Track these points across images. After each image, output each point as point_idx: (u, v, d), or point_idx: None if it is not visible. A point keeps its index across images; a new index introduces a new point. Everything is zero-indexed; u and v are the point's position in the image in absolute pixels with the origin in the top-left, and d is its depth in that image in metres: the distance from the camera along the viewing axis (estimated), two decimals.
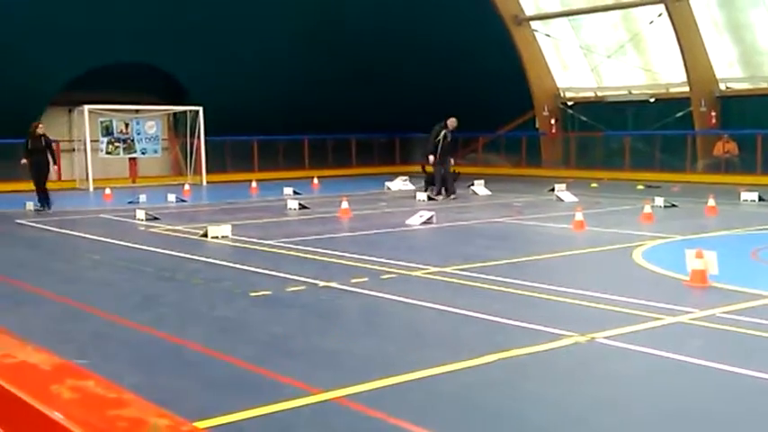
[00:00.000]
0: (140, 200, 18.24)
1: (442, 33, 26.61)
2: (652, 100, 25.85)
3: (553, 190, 19.32)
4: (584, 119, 27.57)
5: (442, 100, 23.79)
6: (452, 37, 26.67)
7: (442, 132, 19.00)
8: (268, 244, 11.59)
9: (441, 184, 19.16)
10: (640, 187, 21.37)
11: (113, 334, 6.70)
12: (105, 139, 25.04)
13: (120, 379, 5.01)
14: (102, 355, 5.89)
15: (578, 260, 10.27)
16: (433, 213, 14.07)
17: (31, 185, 17.32)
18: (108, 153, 25.21)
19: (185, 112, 25.96)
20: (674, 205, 16.06)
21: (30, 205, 16.92)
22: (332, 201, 17.88)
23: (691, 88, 24.17)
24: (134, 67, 24.55)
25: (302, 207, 16.58)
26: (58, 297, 8.21)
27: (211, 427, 4.37)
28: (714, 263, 8.06)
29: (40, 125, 16.77)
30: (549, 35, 27.49)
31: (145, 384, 5.07)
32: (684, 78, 24.23)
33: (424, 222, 13.69)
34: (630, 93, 26.63)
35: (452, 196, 18.86)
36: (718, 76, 24.21)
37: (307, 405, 4.72)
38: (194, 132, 25.64)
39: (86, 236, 12.98)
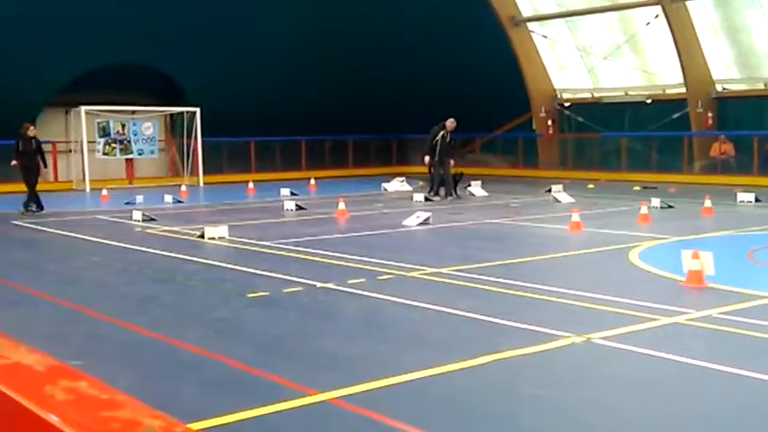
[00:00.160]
0: (137, 201, 18.22)
1: (440, 35, 26.62)
2: (649, 101, 25.89)
3: (550, 191, 19.34)
4: (580, 120, 27.60)
5: (440, 101, 23.82)
6: (449, 38, 26.68)
7: (441, 133, 19.02)
8: (265, 245, 11.58)
9: (439, 184, 19.18)
10: (637, 188, 21.39)
11: (110, 335, 6.69)
12: (102, 140, 25.02)
13: (117, 380, 5.01)
14: (99, 357, 5.88)
15: (575, 261, 10.27)
16: (429, 214, 14.08)
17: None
18: (105, 154, 25.18)
19: (182, 112, 25.95)
20: (670, 206, 16.07)
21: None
22: (329, 202, 17.88)
23: (687, 89, 24.21)
24: (131, 68, 24.53)
25: (299, 208, 16.57)
26: (54, 298, 8.20)
27: (208, 428, 4.37)
28: (710, 264, 8.07)
29: (31, 127, 16.69)
30: (545, 36, 27.52)
31: (141, 385, 5.06)
32: (681, 80, 24.27)
33: (421, 223, 13.69)
34: (627, 94, 26.67)
35: (450, 197, 18.87)
36: (715, 77, 24.26)
37: (303, 406, 4.72)
38: (191, 133, 25.62)
39: (83, 237, 12.96)
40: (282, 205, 17.15)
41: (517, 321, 6.69)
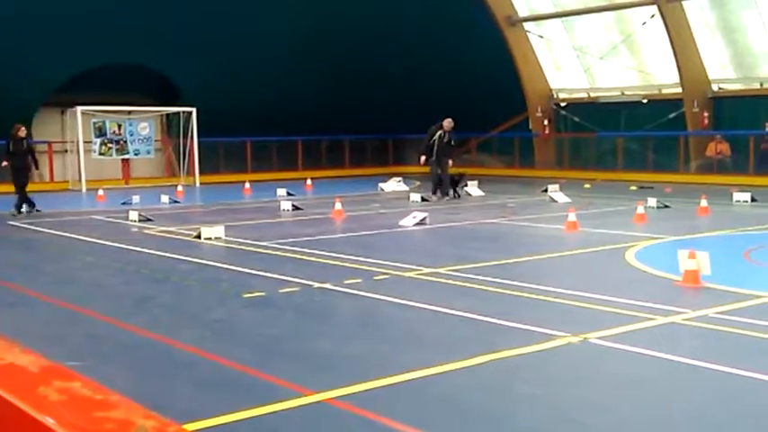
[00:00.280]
0: (133, 201, 18.19)
1: (439, 35, 26.63)
2: (645, 101, 25.92)
3: (546, 191, 19.35)
4: (577, 120, 27.63)
5: (436, 101, 23.84)
6: (446, 38, 26.69)
7: (438, 133, 19.03)
8: (261, 245, 11.57)
9: (436, 184, 19.19)
10: (633, 188, 21.42)
11: (106, 335, 6.69)
12: (98, 141, 24.99)
13: (114, 380, 5.00)
14: (96, 357, 5.88)
15: (571, 261, 10.28)
16: (426, 214, 14.08)
17: (28, 186, 17.21)
18: (101, 154, 25.14)
19: (178, 113, 25.92)
20: (666, 206, 16.09)
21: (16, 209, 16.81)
22: (325, 202, 17.87)
23: (683, 89, 24.24)
24: (127, 69, 24.50)
25: (296, 208, 16.56)
26: (50, 298, 8.18)
27: (204, 428, 4.37)
28: (707, 263, 8.08)
29: (22, 127, 16.63)
30: (542, 36, 27.53)
31: (138, 386, 5.06)
32: (677, 79, 24.30)
33: (418, 223, 13.69)
34: (623, 94, 26.69)
35: (446, 198, 18.87)
36: (711, 77, 24.29)
37: (299, 407, 4.72)
38: (187, 133, 25.60)
39: (79, 237, 12.95)
40: (279, 205, 17.14)
41: (514, 321, 6.69)
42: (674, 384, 5.22)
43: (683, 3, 23.47)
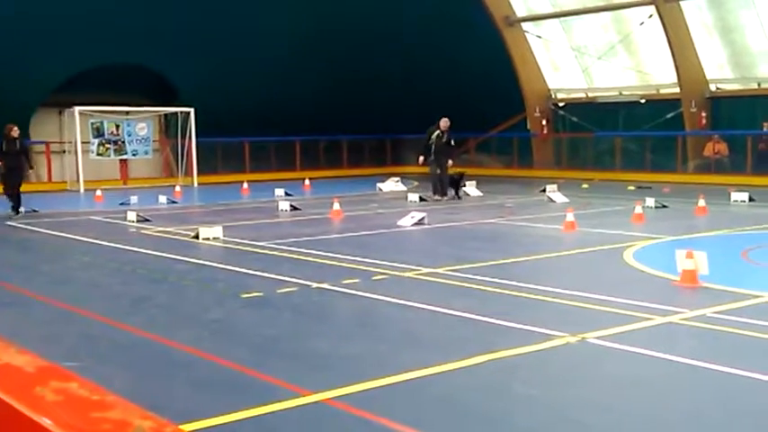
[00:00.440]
0: (131, 201, 18.17)
1: (434, 35, 26.64)
2: (643, 101, 25.94)
3: (544, 191, 19.35)
4: (575, 120, 27.65)
5: (434, 101, 23.82)
6: (444, 38, 26.70)
7: (436, 133, 19.05)
8: (260, 245, 11.57)
9: (435, 185, 19.18)
10: (631, 188, 21.43)
11: (104, 336, 6.68)
12: (96, 141, 24.96)
13: (111, 380, 5.00)
14: (93, 357, 5.87)
15: (569, 261, 10.28)
16: (424, 214, 14.08)
17: (26, 187, 17.19)
18: (99, 155, 25.12)
19: (176, 113, 25.90)
20: (664, 206, 16.11)
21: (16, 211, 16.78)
22: (323, 202, 17.87)
23: (681, 89, 24.26)
24: (125, 69, 24.49)
25: (294, 208, 16.56)
26: (47, 299, 8.17)
27: (201, 428, 4.36)
28: (704, 263, 8.08)
29: (15, 127, 16.58)
30: (540, 36, 27.55)
31: (135, 386, 5.05)
32: (675, 79, 24.33)
33: (416, 223, 13.69)
34: (621, 94, 26.71)
35: (444, 198, 18.87)
36: (709, 77, 24.32)
37: (297, 407, 4.71)
38: (185, 133, 25.59)
39: (77, 237, 12.93)
40: (277, 206, 17.13)
41: (512, 321, 6.69)
42: (672, 384, 5.22)
43: (680, 3, 23.49)
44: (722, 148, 23.87)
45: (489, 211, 16.31)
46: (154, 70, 25.55)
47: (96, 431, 1.16)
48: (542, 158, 28.38)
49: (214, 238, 12.21)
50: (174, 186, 23.13)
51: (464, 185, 20.05)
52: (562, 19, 27.04)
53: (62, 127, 25.38)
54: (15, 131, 16.47)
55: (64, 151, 25.21)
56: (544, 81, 28.31)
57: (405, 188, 21.86)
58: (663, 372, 5.43)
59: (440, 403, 4.81)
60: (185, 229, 13.36)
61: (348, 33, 25.86)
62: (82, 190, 23.47)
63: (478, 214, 15.70)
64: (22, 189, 16.70)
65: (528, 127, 28.61)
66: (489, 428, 4.50)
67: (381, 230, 13.42)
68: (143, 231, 13.57)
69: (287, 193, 19.83)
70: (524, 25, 27.73)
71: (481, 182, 21.50)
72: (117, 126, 25.32)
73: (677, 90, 24.43)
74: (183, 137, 25.59)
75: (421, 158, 19.49)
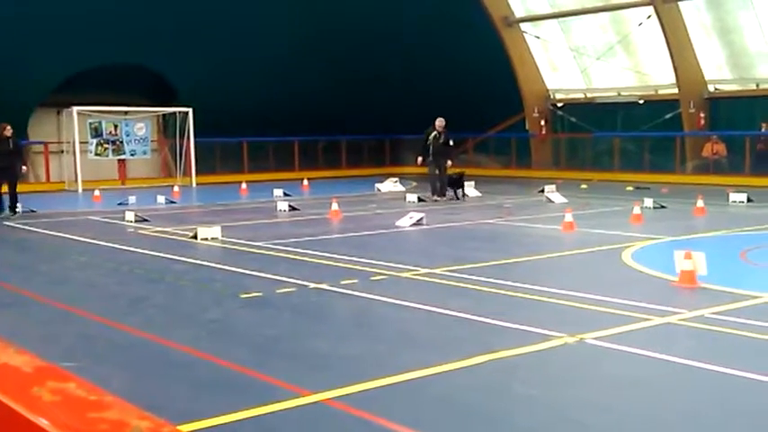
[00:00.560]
0: (130, 201, 18.16)
1: (433, 35, 26.64)
2: (641, 101, 25.95)
3: (543, 191, 19.36)
4: (573, 120, 27.66)
5: (433, 102, 23.79)
6: (443, 39, 26.70)
7: (433, 133, 19.07)
8: (258, 245, 11.56)
9: (434, 185, 19.19)
10: (630, 188, 21.44)
11: (101, 336, 6.67)
12: (94, 141, 24.95)
13: (109, 381, 4.99)
14: (91, 358, 5.86)
15: (568, 261, 10.28)
16: (423, 215, 14.08)
17: (24, 187, 17.15)
18: (97, 155, 25.10)
19: (175, 113, 25.89)
20: (663, 206, 16.11)
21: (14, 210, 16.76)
22: (322, 202, 17.86)
23: (680, 90, 24.27)
24: (123, 69, 24.48)
25: (292, 209, 16.55)
26: (45, 299, 8.16)
27: (200, 429, 4.35)
28: (703, 264, 8.08)
29: (8, 127, 16.55)
30: (538, 37, 27.55)
31: (133, 386, 5.04)
32: (673, 80, 24.34)
33: (415, 224, 13.69)
34: (620, 94, 26.73)
35: (442, 198, 18.86)
36: (707, 77, 24.33)
37: (296, 407, 4.71)
38: (184, 134, 25.57)
39: (75, 237, 12.92)
40: (275, 206, 17.13)
41: (510, 321, 6.69)
42: (671, 384, 5.22)
43: (679, 3, 23.50)
44: (721, 148, 23.89)
45: (488, 211, 16.31)
46: (153, 70, 25.54)
47: (93, 431, 1.16)
48: (541, 159, 28.39)
49: (212, 239, 12.20)
50: (173, 186, 23.11)
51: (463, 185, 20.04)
52: (561, 19, 27.04)
53: (60, 127, 25.36)
54: (8, 131, 16.43)
55: (62, 151, 25.19)
56: (543, 81, 28.31)
57: (403, 189, 21.86)
58: (661, 372, 5.43)
59: (439, 403, 4.81)
60: (183, 230, 13.35)
61: (348, 33, 25.86)
62: (80, 190, 23.45)
63: (477, 215, 15.70)
64: (19, 189, 16.67)
65: (526, 127, 28.61)
66: (488, 428, 4.50)
67: (380, 231, 13.42)
68: (141, 231, 13.56)
69: (285, 194, 19.83)
70: (523, 26, 27.73)
71: (479, 182, 21.50)
72: (115, 126, 25.31)
73: (676, 91, 24.44)
74: (182, 137, 25.58)
75: (419, 159, 19.51)
